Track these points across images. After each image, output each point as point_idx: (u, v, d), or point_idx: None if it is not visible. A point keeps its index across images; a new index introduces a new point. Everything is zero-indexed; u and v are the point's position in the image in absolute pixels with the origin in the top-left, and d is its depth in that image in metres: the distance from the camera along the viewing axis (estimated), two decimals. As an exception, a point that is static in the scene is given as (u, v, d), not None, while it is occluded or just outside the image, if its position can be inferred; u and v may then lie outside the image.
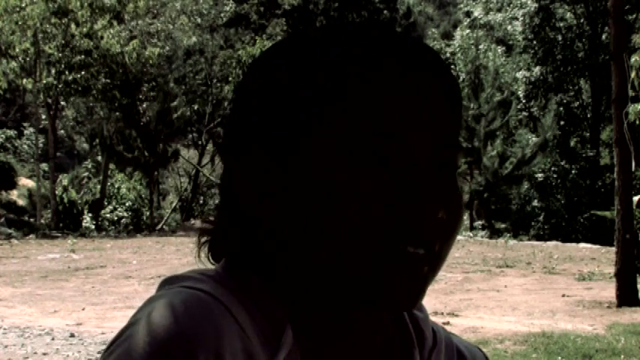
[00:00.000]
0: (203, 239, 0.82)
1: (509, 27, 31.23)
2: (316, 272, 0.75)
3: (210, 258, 0.82)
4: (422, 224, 0.72)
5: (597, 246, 19.14)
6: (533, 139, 26.39)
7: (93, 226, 25.35)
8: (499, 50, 28.26)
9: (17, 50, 24.36)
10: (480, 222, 26.96)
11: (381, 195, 0.72)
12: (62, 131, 34.76)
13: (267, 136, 0.76)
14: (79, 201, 27.55)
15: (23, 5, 24.07)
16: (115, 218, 28.67)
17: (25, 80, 24.84)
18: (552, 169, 27.14)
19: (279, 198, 0.76)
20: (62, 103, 28.23)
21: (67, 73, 24.95)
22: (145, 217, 29.69)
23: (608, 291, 10.90)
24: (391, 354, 0.81)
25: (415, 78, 0.74)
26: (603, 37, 27.85)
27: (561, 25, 29.24)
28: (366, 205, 0.71)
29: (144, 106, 28.35)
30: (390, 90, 0.73)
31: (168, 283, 0.76)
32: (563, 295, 11.22)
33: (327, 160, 0.73)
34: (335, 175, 0.73)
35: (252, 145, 0.77)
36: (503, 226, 26.75)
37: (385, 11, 37.72)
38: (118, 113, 28.00)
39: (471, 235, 23.48)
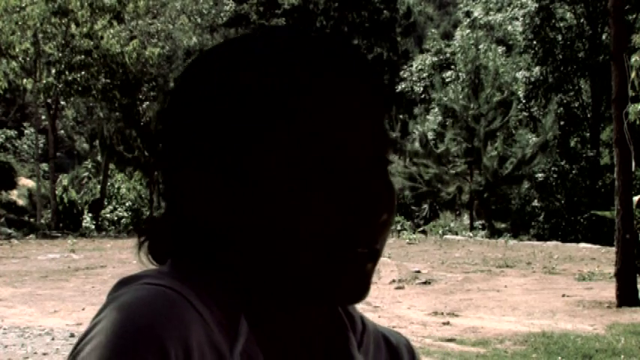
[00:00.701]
0: (142, 240, 0.82)
1: (509, 27, 31.19)
2: (266, 270, 0.77)
3: (152, 259, 0.82)
4: (372, 228, 0.76)
5: (597, 246, 19.11)
6: (534, 139, 26.36)
7: (93, 226, 25.35)
8: (499, 50, 28.23)
9: (17, 50, 24.34)
10: (479, 222, 26.93)
11: (330, 202, 0.74)
12: (62, 131, 34.77)
13: (207, 145, 0.77)
14: (79, 201, 27.56)
15: (23, 5, 24.06)
16: (115, 218, 28.68)
17: (25, 80, 24.83)
18: (552, 169, 27.11)
19: (225, 203, 0.77)
20: (62, 103, 28.23)
21: (67, 73, 24.94)
22: (145, 217, 29.67)
23: (608, 291, 10.90)
24: (331, 337, 0.84)
25: (348, 82, 0.76)
26: (603, 37, 27.83)
27: (561, 25, 29.22)
28: (315, 212, 0.74)
29: (144, 106, 28.33)
30: (327, 97, 0.75)
31: (124, 283, 0.76)
32: (563, 295, 11.22)
33: (272, 168, 0.75)
34: (281, 183, 0.74)
35: (192, 154, 0.78)
36: (503, 226, 26.72)
37: (385, 11, 37.70)
38: (118, 113, 28.00)
39: (471, 235, 23.45)
